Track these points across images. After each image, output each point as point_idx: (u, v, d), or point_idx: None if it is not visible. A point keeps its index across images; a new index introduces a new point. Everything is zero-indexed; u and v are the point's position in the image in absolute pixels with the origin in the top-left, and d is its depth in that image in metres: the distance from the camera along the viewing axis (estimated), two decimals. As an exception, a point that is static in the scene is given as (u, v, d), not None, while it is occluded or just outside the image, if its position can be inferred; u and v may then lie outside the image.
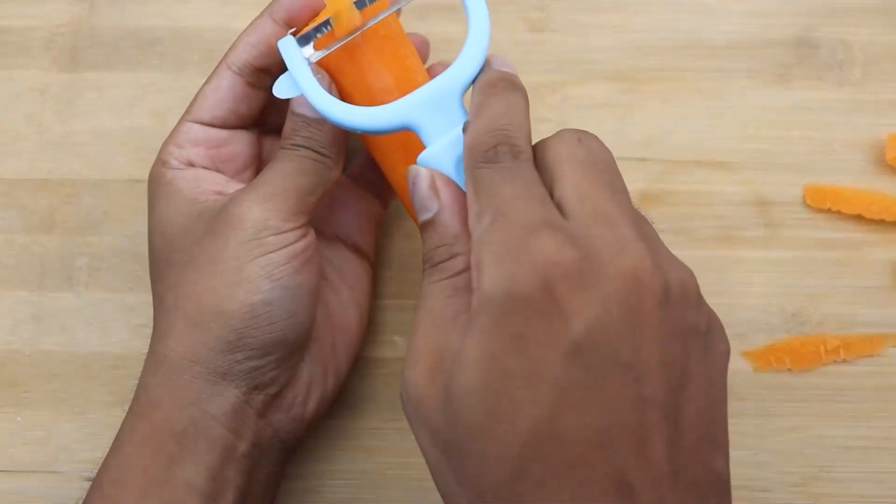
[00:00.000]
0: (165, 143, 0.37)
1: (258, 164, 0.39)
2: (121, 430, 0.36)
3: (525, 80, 0.44)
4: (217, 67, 0.37)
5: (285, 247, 0.34)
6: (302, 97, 0.35)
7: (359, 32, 0.35)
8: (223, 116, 0.37)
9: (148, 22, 0.45)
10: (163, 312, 0.36)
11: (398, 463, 0.41)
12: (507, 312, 0.27)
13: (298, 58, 0.34)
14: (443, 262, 0.30)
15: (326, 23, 0.35)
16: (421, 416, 0.28)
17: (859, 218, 0.42)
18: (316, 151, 0.36)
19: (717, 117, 0.44)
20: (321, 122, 0.35)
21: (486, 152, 0.30)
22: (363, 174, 0.41)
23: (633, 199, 0.43)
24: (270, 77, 0.37)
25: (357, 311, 0.40)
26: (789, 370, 0.42)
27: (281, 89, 0.35)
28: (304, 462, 0.41)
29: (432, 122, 0.32)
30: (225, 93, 0.37)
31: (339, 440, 0.41)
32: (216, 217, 0.35)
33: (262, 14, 0.37)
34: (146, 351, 0.39)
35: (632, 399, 0.26)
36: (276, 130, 0.38)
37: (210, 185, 0.37)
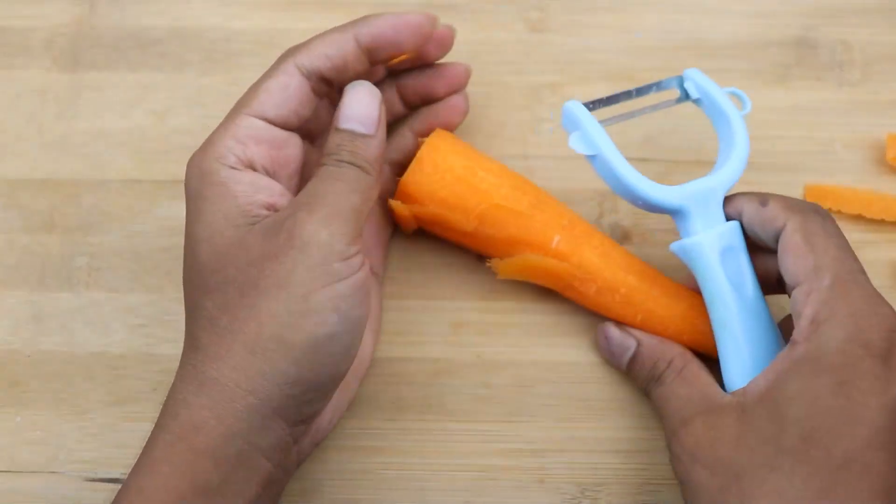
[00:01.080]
0: (220, 136, 0.35)
1: (303, 173, 0.38)
2: (154, 444, 0.33)
3: (525, 80, 0.45)
4: (282, 65, 0.36)
5: (351, 276, 0.33)
6: (349, 111, 0.35)
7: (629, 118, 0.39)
8: (286, 116, 0.36)
9: (148, 22, 0.45)
10: (215, 332, 0.33)
11: (398, 463, 0.41)
12: (841, 364, 0.32)
13: (592, 119, 0.37)
14: (662, 372, 0.38)
15: (614, 98, 0.38)
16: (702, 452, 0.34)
17: (859, 218, 0.42)
18: (362, 168, 0.35)
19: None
20: (369, 137, 0.35)
21: (817, 210, 0.36)
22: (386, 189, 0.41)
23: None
24: (332, 89, 0.37)
25: (372, 336, 0.40)
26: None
27: (578, 145, 0.37)
28: (304, 462, 0.41)
29: (698, 214, 0.37)
30: (293, 92, 0.35)
31: (339, 440, 0.41)
32: (275, 236, 0.33)
33: (344, 29, 0.36)
34: (146, 351, 0.39)
35: None
36: (310, 138, 0.39)
37: (265, 195, 0.34)
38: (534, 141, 0.44)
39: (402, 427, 0.41)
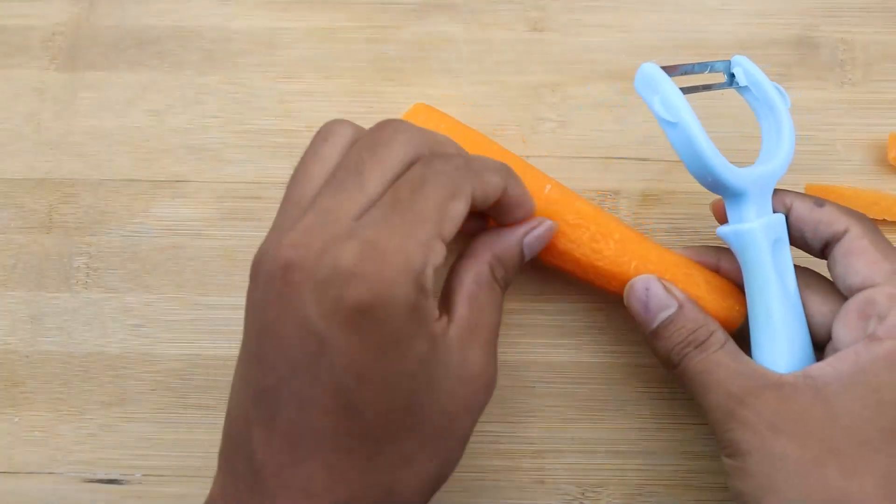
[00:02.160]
0: (418, 260, 0.30)
1: None
2: None
3: (525, 80, 0.45)
4: (464, 186, 0.32)
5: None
6: (539, 235, 0.36)
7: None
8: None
9: (148, 22, 0.45)
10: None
11: (398, 463, 0.40)
12: None
13: (673, 85, 0.36)
14: (707, 339, 0.36)
15: (677, 68, 0.37)
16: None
17: (860, 218, 0.42)
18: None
19: (717, 117, 0.44)
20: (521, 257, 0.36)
21: (867, 218, 0.37)
22: None
23: (632, 199, 0.43)
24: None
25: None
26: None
27: (661, 110, 0.36)
28: None
29: (755, 201, 0.37)
30: (462, 220, 0.32)
31: (338, 441, 0.41)
32: (490, 381, 0.34)
33: (500, 175, 0.34)
34: (144, 351, 0.39)
35: None
36: None
37: (436, 313, 0.32)
38: (534, 141, 0.44)
39: (402, 428, 0.41)
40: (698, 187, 0.43)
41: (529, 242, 0.36)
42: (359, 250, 0.29)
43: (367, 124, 0.44)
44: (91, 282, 0.43)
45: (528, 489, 0.40)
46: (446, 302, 0.34)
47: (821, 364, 0.35)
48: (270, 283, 0.30)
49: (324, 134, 0.34)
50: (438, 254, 0.31)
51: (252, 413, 0.31)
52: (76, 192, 0.44)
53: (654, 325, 0.37)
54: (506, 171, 0.35)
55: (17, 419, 0.41)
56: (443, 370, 0.31)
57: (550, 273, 0.42)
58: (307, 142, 0.44)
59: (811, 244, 0.37)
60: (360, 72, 0.45)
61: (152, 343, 0.42)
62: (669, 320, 0.37)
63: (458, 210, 0.31)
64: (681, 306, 0.37)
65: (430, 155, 0.33)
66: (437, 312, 0.31)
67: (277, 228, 0.32)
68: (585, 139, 0.44)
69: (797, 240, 0.37)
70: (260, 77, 0.44)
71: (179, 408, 0.42)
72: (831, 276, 0.37)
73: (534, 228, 0.36)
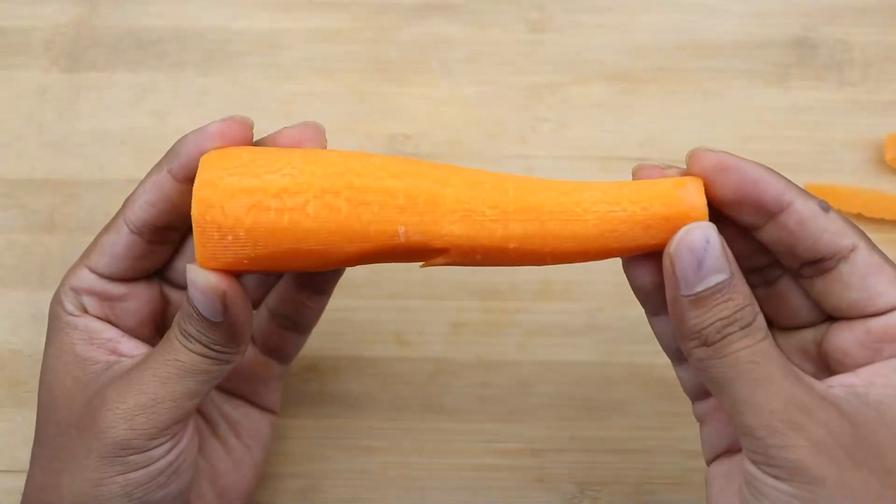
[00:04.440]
0: (64, 279, 0.34)
1: (161, 316, 0.36)
2: None
3: (525, 80, 0.45)
4: (116, 218, 0.34)
5: (148, 465, 0.32)
6: (197, 280, 0.31)
7: None
8: (122, 271, 0.34)
9: (148, 22, 0.45)
10: (32, 481, 0.34)
11: (398, 463, 0.41)
12: None
13: None
14: (753, 321, 0.29)
15: None
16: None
17: (859, 217, 0.42)
18: (212, 349, 0.32)
19: (717, 117, 0.44)
20: (221, 324, 0.31)
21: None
22: (265, 337, 0.38)
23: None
24: (176, 232, 0.34)
25: (250, 470, 0.38)
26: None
27: None
28: (304, 462, 0.41)
29: None
30: (122, 250, 0.33)
31: (339, 440, 0.41)
32: (87, 404, 0.32)
33: (159, 167, 0.33)
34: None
35: None
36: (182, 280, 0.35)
37: (103, 341, 0.34)
38: (534, 141, 0.44)
39: (402, 427, 0.41)
40: (697, 187, 0.44)
41: (195, 297, 0.31)
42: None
43: (367, 124, 0.44)
44: (93, 282, 0.43)
45: (528, 488, 0.40)
46: None
47: (848, 375, 0.30)
48: None
49: None
50: (77, 276, 0.34)
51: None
52: (78, 193, 0.44)
53: (700, 288, 0.29)
54: (164, 157, 0.33)
55: (19, 418, 0.42)
56: (74, 385, 0.33)
57: (551, 273, 0.42)
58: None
59: (799, 255, 0.31)
60: (361, 72, 0.45)
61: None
62: (719, 287, 0.29)
63: (107, 240, 0.34)
64: (734, 274, 0.29)
65: None
66: (93, 335, 0.34)
67: None
68: (585, 139, 0.44)
69: (779, 244, 0.31)
70: (261, 78, 0.45)
71: (181, 407, 0.42)
72: (821, 294, 0.31)
73: (193, 285, 0.31)
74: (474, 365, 0.41)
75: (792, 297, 0.33)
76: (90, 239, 0.43)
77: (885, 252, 0.42)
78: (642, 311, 0.42)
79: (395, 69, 0.45)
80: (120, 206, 0.34)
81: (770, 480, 0.28)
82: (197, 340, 0.32)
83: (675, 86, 0.44)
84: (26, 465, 0.41)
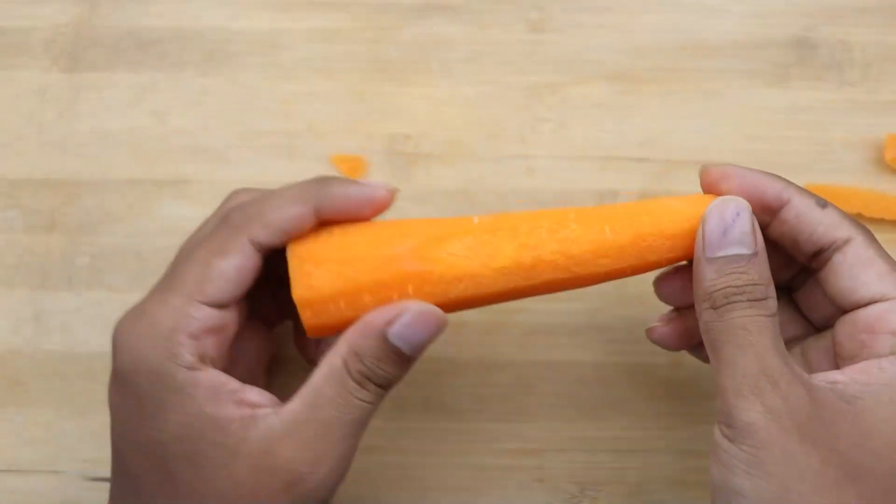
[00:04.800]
0: (170, 328, 0.30)
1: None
2: None
3: (525, 80, 0.45)
4: (235, 240, 0.31)
5: None
6: (407, 323, 0.31)
7: None
8: (238, 299, 0.32)
9: (148, 22, 0.45)
10: None
11: (398, 463, 0.41)
12: None
13: None
14: (763, 299, 0.31)
15: None
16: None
17: (859, 216, 0.42)
18: (385, 389, 0.32)
19: (717, 117, 0.44)
20: (413, 359, 0.32)
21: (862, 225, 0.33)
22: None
23: (632, 199, 0.43)
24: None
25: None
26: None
27: None
28: None
29: None
30: (249, 275, 0.31)
31: (339, 440, 0.41)
32: (266, 471, 0.30)
33: (304, 199, 0.32)
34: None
35: None
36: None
37: (229, 394, 0.31)
38: (534, 141, 0.44)
39: (402, 427, 0.41)
40: (697, 187, 0.43)
41: (400, 334, 0.31)
42: (124, 323, 0.32)
43: (367, 124, 0.44)
44: (94, 281, 0.43)
45: (528, 488, 0.40)
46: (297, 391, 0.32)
47: (836, 372, 0.31)
48: None
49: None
50: (194, 318, 0.30)
51: None
52: (78, 193, 0.44)
53: (720, 253, 0.31)
54: (309, 189, 0.32)
55: (19, 418, 0.42)
56: (222, 452, 0.30)
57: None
58: (308, 142, 0.44)
59: (802, 248, 0.33)
60: (361, 72, 0.45)
61: (154, 343, 0.42)
62: (739, 259, 0.31)
63: (226, 266, 0.31)
64: (756, 254, 0.31)
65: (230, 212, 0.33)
66: (219, 391, 0.30)
67: None
68: (585, 139, 0.44)
69: (785, 239, 0.33)
70: (261, 78, 0.45)
71: (181, 407, 0.42)
72: (825, 286, 0.33)
73: (396, 319, 0.31)
74: (474, 365, 0.41)
75: (814, 294, 0.34)
76: (92, 239, 0.43)
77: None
78: (642, 311, 0.42)
79: (395, 69, 0.45)
80: (226, 216, 0.32)
81: (725, 443, 0.30)
82: (378, 385, 0.31)
83: (676, 86, 0.44)
84: (26, 465, 0.41)
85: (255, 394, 0.31)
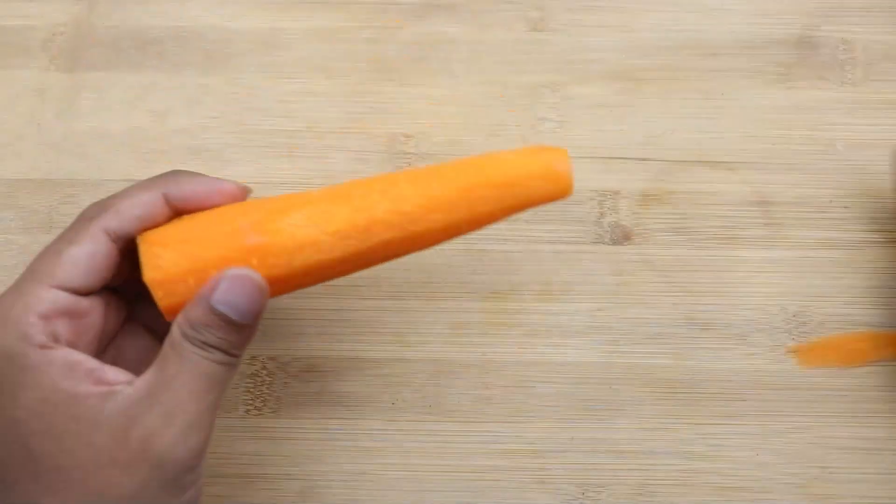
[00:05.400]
0: (19, 311, 0.31)
1: (106, 332, 0.35)
2: None
3: (525, 79, 0.45)
4: (88, 228, 0.33)
5: (197, 482, 0.32)
6: (225, 289, 0.32)
7: None
8: (93, 284, 0.33)
9: (148, 22, 0.45)
10: None
11: (398, 463, 0.41)
12: None
13: None
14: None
15: None
16: None
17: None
18: (231, 355, 0.32)
19: (718, 117, 0.44)
20: (246, 327, 0.33)
21: None
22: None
23: (632, 199, 0.43)
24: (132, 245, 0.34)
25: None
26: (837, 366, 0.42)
27: None
28: (303, 462, 0.41)
29: None
30: (101, 260, 0.33)
31: (339, 440, 0.41)
32: (124, 440, 0.31)
33: (154, 187, 0.34)
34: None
35: None
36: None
37: (86, 372, 0.31)
38: (534, 141, 0.44)
39: (402, 427, 0.41)
40: (698, 187, 0.43)
41: (222, 300, 0.32)
42: None
43: (367, 124, 0.44)
44: (92, 282, 0.43)
45: (528, 489, 0.40)
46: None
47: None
48: None
49: None
50: (43, 299, 0.31)
51: None
52: (77, 193, 0.44)
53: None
54: (160, 179, 0.34)
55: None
56: (81, 424, 0.31)
57: (551, 273, 0.42)
58: (308, 142, 0.44)
59: None
60: (360, 72, 0.45)
61: (153, 343, 0.42)
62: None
63: (77, 252, 0.32)
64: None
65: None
66: (74, 368, 0.31)
67: None
68: (585, 139, 0.44)
69: None
70: (260, 77, 0.45)
71: (180, 408, 0.42)
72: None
73: (216, 287, 0.32)
74: (474, 365, 0.41)
75: None
76: (89, 239, 0.43)
77: (885, 253, 0.42)
78: (642, 310, 0.42)
79: (395, 69, 0.45)
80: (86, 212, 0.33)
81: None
82: (217, 349, 0.32)
83: (676, 85, 0.44)
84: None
85: (114, 373, 0.32)
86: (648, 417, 0.41)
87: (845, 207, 0.43)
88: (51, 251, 0.33)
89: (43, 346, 0.31)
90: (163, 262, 0.33)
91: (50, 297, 0.32)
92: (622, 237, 0.43)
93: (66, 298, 0.32)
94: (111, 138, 0.44)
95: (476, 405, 0.41)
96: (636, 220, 0.43)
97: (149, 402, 0.31)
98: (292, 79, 0.45)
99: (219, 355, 0.32)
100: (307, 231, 0.33)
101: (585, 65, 0.45)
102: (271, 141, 0.44)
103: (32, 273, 0.33)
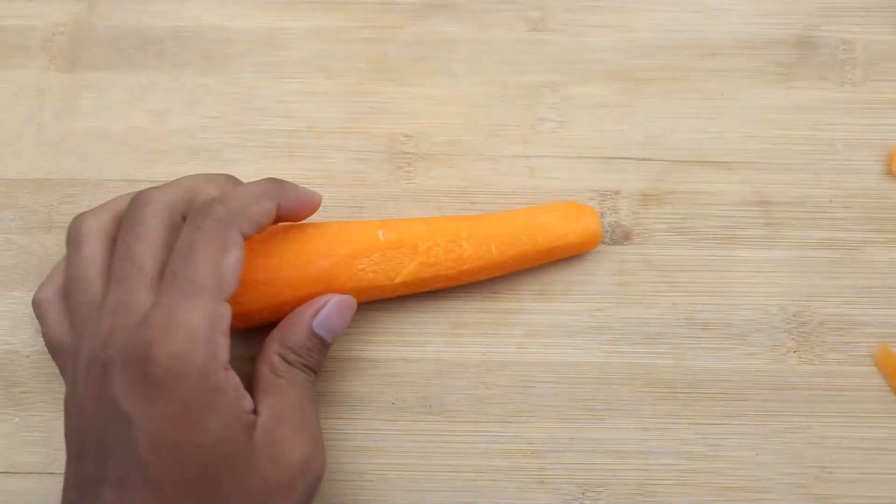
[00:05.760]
0: (204, 328, 0.31)
1: None
2: None
3: (525, 79, 0.45)
4: (230, 235, 0.32)
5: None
6: (327, 313, 0.37)
7: None
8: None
9: (148, 22, 0.45)
10: None
11: (398, 463, 0.40)
12: None
13: None
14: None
15: None
16: None
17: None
18: (314, 371, 0.37)
19: (718, 117, 0.44)
20: (326, 347, 0.37)
21: None
22: None
23: (632, 199, 0.43)
24: None
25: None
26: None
27: None
28: (303, 463, 0.41)
29: None
30: (243, 265, 0.33)
31: (339, 440, 0.41)
32: (284, 464, 0.32)
33: (270, 195, 0.35)
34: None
35: None
36: None
37: (244, 398, 0.32)
38: (534, 141, 0.44)
39: (402, 427, 0.41)
40: (698, 187, 0.43)
41: (322, 323, 0.36)
42: (153, 332, 0.31)
43: (367, 124, 0.44)
44: (91, 282, 0.43)
45: (528, 489, 0.40)
46: (254, 398, 0.34)
47: None
48: (88, 386, 0.32)
49: (73, 238, 0.36)
50: (224, 317, 0.31)
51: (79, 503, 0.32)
52: (77, 193, 0.44)
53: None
54: (274, 188, 0.35)
55: (17, 419, 0.41)
56: (249, 452, 0.32)
57: (551, 273, 0.42)
58: (307, 142, 0.44)
59: None
60: (360, 72, 0.45)
61: (153, 343, 0.42)
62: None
63: (232, 262, 0.32)
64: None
65: (193, 212, 0.33)
66: (240, 391, 0.32)
67: (81, 335, 0.33)
68: (585, 139, 0.44)
69: None
70: (260, 77, 0.45)
71: (180, 408, 0.42)
72: None
73: (319, 310, 0.36)
74: (474, 365, 0.41)
75: None
76: (89, 239, 0.43)
77: (885, 253, 0.42)
78: (642, 310, 0.42)
79: (395, 69, 0.45)
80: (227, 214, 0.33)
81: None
82: (311, 369, 0.36)
83: (677, 85, 0.44)
84: (23, 467, 0.41)
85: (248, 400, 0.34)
86: (648, 417, 0.41)
87: (845, 207, 0.43)
88: (207, 260, 0.32)
89: (226, 368, 0.31)
90: (242, 300, 0.37)
91: (226, 312, 0.32)
92: (622, 237, 0.43)
93: (230, 311, 0.32)
94: (111, 138, 0.44)
95: (476, 405, 0.41)
96: (636, 219, 0.43)
97: (280, 427, 0.33)
98: (292, 79, 0.45)
99: (311, 373, 0.36)
100: (375, 277, 0.38)
101: (585, 65, 0.45)
102: (271, 141, 0.44)
103: (201, 287, 0.31)
